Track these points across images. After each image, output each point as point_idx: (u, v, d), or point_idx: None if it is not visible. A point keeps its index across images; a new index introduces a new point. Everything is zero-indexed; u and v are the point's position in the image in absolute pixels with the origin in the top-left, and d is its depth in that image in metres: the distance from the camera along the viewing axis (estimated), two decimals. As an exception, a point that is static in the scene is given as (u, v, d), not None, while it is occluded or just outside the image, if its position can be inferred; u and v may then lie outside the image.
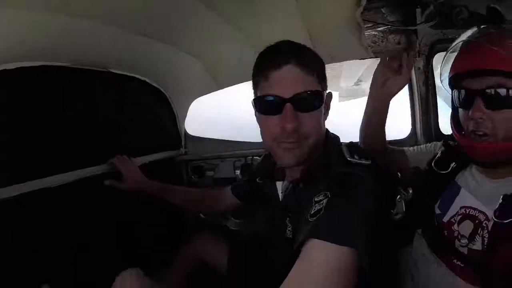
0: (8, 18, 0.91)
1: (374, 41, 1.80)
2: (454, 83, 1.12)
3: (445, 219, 1.15)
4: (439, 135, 1.78)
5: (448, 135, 1.74)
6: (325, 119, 1.05)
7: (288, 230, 1.04)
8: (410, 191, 1.03)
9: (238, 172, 2.11)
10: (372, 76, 1.36)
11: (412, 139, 1.86)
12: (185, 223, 2.12)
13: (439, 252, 1.13)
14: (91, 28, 1.14)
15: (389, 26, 1.76)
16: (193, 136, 2.18)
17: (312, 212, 0.83)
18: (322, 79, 1.00)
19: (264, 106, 0.98)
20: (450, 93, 1.16)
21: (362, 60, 1.95)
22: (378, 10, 1.75)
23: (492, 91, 1.00)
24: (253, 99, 1.02)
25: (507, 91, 0.98)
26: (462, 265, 1.05)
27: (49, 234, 1.22)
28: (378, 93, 1.33)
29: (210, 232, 1.69)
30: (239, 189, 1.57)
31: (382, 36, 1.80)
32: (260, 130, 1.04)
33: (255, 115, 1.07)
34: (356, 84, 4.34)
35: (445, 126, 1.76)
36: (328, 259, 0.73)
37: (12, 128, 1.12)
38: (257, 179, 1.33)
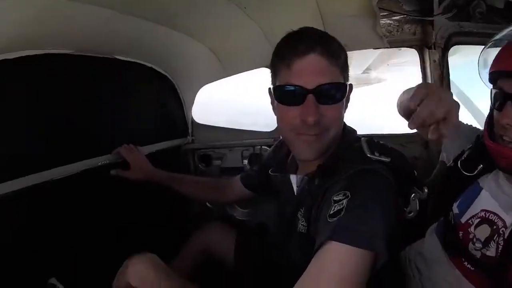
0: (11, 4, 0.89)
1: (389, 31, 1.76)
2: (492, 80, 1.06)
3: (463, 219, 1.12)
4: (452, 130, 1.73)
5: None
6: (345, 111, 1.01)
7: (301, 224, 1.02)
8: (426, 190, 0.99)
9: (246, 161, 2.10)
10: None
11: None
12: (192, 213, 2.13)
13: (451, 251, 1.11)
14: (96, 13, 1.12)
15: (405, 16, 1.72)
16: (200, 124, 2.16)
17: (332, 212, 0.82)
18: (345, 70, 0.96)
19: (284, 96, 0.94)
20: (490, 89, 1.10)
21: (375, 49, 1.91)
22: (394, -1, 1.70)
23: None
24: (272, 88, 0.99)
25: None
26: (472, 268, 1.03)
27: (57, 226, 1.22)
28: None
29: (217, 222, 1.67)
30: (249, 179, 1.54)
31: (397, 26, 1.76)
32: (277, 120, 1.01)
33: (272, 104, 1.05)
34: (365, 72, 4.29)
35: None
36: (347, 261, 0.74)
37: (16, 117, 1.11)
38: (269, 171, 1.28)
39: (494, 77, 1.05)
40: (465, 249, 1.06)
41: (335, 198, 0.84)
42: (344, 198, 0.82)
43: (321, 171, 0.99)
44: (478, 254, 1.03)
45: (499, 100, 1.01)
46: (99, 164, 1.40)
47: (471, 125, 1.37)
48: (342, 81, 0.94)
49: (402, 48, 1.96)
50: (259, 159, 1.73)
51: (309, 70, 0.89)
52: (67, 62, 1.27)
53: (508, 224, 0.99)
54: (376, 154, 0.94)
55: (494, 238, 1.01)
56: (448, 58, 1.72)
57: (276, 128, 2.03)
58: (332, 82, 0.90)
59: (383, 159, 0.93)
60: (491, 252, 1.00)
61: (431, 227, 1.25)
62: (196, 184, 1.66)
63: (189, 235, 1.62)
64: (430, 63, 1.72)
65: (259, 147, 2.07)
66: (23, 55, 1.09)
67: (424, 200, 0.99)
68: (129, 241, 1.52)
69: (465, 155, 1.21)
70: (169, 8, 1.29)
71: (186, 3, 1.29)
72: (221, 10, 1.39)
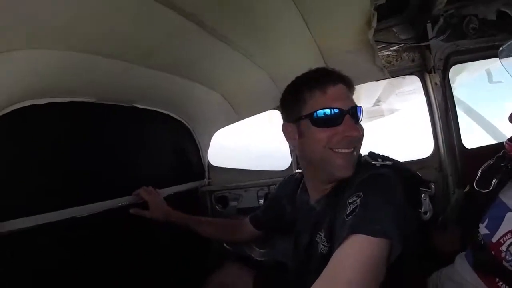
0: (36, 57, 1.00)
1: (388, 61, 1.85)
2: None
3: (494, 239, 1.10)
4: (462, 150, 1.76)
5: (471, 149, 1.73)
6: None
7: (322, 245, 1.07)
8: (433, 186, 1.05)
9: (261, 201, 2.12)
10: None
11: (435, 156, 1.84)
12: (210, 253, 2.13)
13: (483, 271, 1.09)
14: (114, 65, 1.23)
15: (402, 45, 1.80)
16: (216, 167, 2.23)
17: (348, 212, 0.89)
18: None
19: (324, 118, 1.04)
20: None
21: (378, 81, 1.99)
22: (389, 30, 1.81)
23: None
24: (306, 114, 1.07)
25: None
26: (506, 286, 1.02)
27: (77, 263, 1.26)
28: None
29: (235, 262, 1.67)
30: (257, 220, 1.58)
31: (396, 55, 1.85)
32: (307, 144, 1.09)
33: (289, 137, 1.16)
34: (375, 104, 4.36)
35: (468, 139, 1.77)
36: (365, 250, 0.79)
37: (45, 156, 1.20)
38: (282, 202, 1.40)
39: None
40: (499, 266, 1.05)
41: (349, 201, 0.92)
42: (358, 198, 0.90)
43: (336, 189, 1.08)
44: None
45: None
46: (120, 204, 1.46)
47: None
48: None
49: (406, 76, 2.02)
50: (267, 198, 1.76)
51: (342, 95, 1.06)
52: (91, 110, 1.39)
53: None
54: (379, 160, 1.08)
55: None
56: (456, 77, 1.76)
57: (289, 167, 2.08)
58: (357, 105, 1.07)
59: (386, 163, 1.06)
60: None
61: (460, 254, 1.24)
62: (211, 225, 1.68)
63: (208, 275, 1.61)
64: (432, 86, 1.77)
65: (274, 186, 2.09)
66: (51, 101, 1.22)
67: (433, 196, 1.04)
68: (149, 281, 1.54)
69: (477, 177, 1.24)
70: (181, 59, 1.41)
71: (198, 54, 1.40)
72: (230, 59, 1.48)
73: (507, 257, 1.03)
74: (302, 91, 1.09)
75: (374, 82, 2.01)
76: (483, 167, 1.26)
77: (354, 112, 1.05)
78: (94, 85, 1.33)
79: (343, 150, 1.03)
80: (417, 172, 1.12)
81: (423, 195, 1.03)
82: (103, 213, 1.36)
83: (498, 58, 1.46)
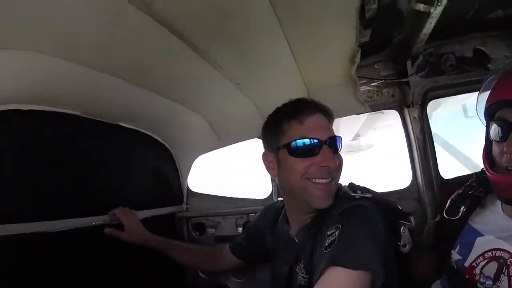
0: (18, 59, 0.98)
1: (369, 96, 1.92)
2: (491, 113, 1.10)
3: (466, 263, 1.13)
4: (440, 181, 1.82)
5: (448, 179, 1.79)
6: None
7: (301, 276, 1.06)
8: (412, 219, 1.06)
9: (240, 229, 2.07)
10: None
11: (413, 187, 1.89)
12: (184, 283, 2.05)
13: None
14: (98, 78, 1.21)
15: (382, 81, 1.90)
16: (195, 192, 2.20)
17: (326, 244, 0.90)
18: None
19: (301, 148, 1.07)
20: (485, 125, 1.15)
21: (359, 115, 2.06)
22: (371, 66, 1.90)
23: None
24: (284, 144, 1.10)
25: None
26: None
27: (45, 277, 1.20)
28: None
29: None
30: (238, 248, 1.55)
31: (377, 91, 1.93)
32: (286, 174, 1.11)
33: (269, 166, 1.18)
34: (354, 139, 4.49)
35: (445, 171, 1.85)
36: (345, 283, 0.80)
37: (16, 167, 1.16)
38: (262, 231, 1.41)
39: (493, 109, 1.08)
40: None
41: (328, 233, 0.93)
42: (336, 230, 0.91)
43: (316, 220, 1.09)
44: None
45: (502, 131, 1.03)
46: (94, 223, 1.41)
47: None
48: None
49: (384, 111, 2.11)
50: (247, 227, 1.74)
51: (320, 125, 1.09)
52: (74, 123, 1.37)
53: None
54: (359, 192, 1.09)
55: (504, 271, 1.01)
56: (433, 112, 1.85)
57: (269, 195, 2.08)
58: (336, 135, 1.10)
59: (366, 195, 1.07)
60: (502, 287, 1.00)
61: (436, 282, 1.25)
62: (189, 252, 1.65)
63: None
64: (410, 120, 1.84)
65: (254, 214, 2.04)
66: (34, 108, 1.19)
67: (413, 230, 1.06)
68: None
69: (446, 206, 1.29)
70: (171, 81, 1.42)
71: (188, 77, 1.42)
72: (218, 85, 1.51)
73: (481, 279, 1.06)
74: (281, 121, 1.12)
75: (353, 117, 2.08)
76: (452, 196, 1.31)
77: (332, 142, 1.08)
78: (80, 98, 1.32)
79: (321, 181, 1.05)
80: (397, 204, 1.14)
81: (402, 227, 1.03)
82: (75, 231, 1.30)
83: (473, 94, 1.56)
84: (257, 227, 1.46)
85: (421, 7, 1.28)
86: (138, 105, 1.55)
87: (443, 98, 1.94)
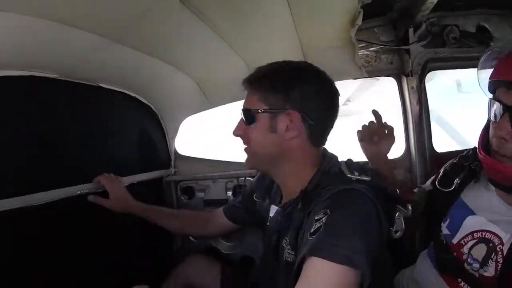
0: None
1: (367, 61, 1.87)
2: (492, 89, 1.06)
3: (454, 240, 1.12)
4: (433, 153, 1.83)
5: (441, 152, 1.80)
6: (288, 138, 1.04)
7: (287, 252, 1.04)
8: (409, 207, 1.02)
9: (230, 193, 2.08)
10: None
11: (406, 157, 1.90)
12: (174, 246, 2.08)
13: (446, 273, 1.11)
14: (87, 39, 1.13)
15: (382, 46, 1.84)
16: (183, 156, 2.16)
17: (312, 230, 0.84)
18: (273, 97, 1.04)
19: None
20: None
21: (354, 80, 2.01)
22: (371, 30, 1.84)
23: None
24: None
25: None
26: None
27: (32, 254, 1.17)
28: (368, 151, 1.57)
29: (201, 256, 1.64)
30: (233, 211, 1.54)
31: (375, 56, 1.88)
32: None
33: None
34: (344, 104, 4.47)
35: (437, 145, 1.86)
36: (328, 277, 0.76)
37: None
38: (254, 196, 1.38)
39: (494, 86, 1.04)
40: (462, 268, 1.06)
41: (316, 217, 0.87)
42: (324, 216, 0.85)
43: (302, 196, 1.03)
44: (476, 274, 1.03)
45: (496, 111, 1.00)
46: (79, 192, 1.36)
47: None
48: (256, 108, 1.06)
49: (380, 78, 2.06)
50: (242, 190, 1.73)
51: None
52: (51, 86, 1.28)
53: (504, 240, 0.99)
54: (356, 173, 1.00)
55: (492, 257, 1.00)
56: (426, 84, 1.84)
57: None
58: (246, 107, 1.10)
59: (363, 178, 0.98)
60: (489, 272, 1.00)
61: (422, 252, 1.26)
62: (177, 218, 1.63)
63: (172, 270, 1.57)
64: (408, 90, 1.82)
65: (243, 178, 2.05)
66: (7, 74, 1.10)
67: (409, 218, 1.01)
68: (109, 274, 1.47)
69: (440, 176, 1.27)
70: (158, 38, 1.33)
71: (176, 35, 1.33)
72: (209, 44, 1.43)
73: (468, 259, 1.06)
74: None
75: (347, 82, 2.04)
76: (445, 165, 1.30)
77: (242, 113, 1.12)
78: (57, 59, 1.22)
79: None
80: (396, 190, 1.07)
81: (397, 213, 1.00)
82: (59, 201, 1.26)
83: (471, 69, 1.53)
84: (253, 191, 1.43)
85: None
86: (120, 64, 1.45)
87: (438, 71, 1.92)
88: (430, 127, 1.84)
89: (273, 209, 1.19)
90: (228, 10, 1.21)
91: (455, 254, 1.10)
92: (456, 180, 1.20)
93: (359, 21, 1.40)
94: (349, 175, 1.00)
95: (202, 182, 2.11)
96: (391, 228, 0.98)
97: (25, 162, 1.18)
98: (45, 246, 1.21)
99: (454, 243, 1.12)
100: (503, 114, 0.96)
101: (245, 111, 1.09)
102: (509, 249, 0.97)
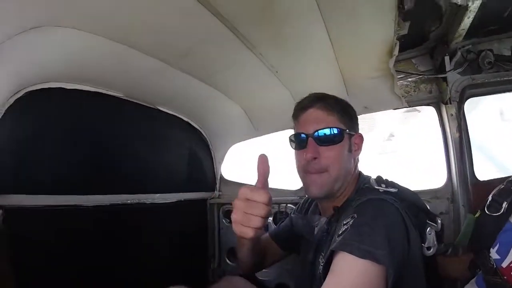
0: (64, 37, 1.08)
1: (406, 91, 1.96)
2: None
3: (504, 264, 1.13)
4: (475, 182, 1.82)
5: (483, 180, 1.78)
6: (355, 157, 1.22)
7: (321, 266, 1.06)
8: (439, 221, 1.07)
9: (270, 219, 2.12)
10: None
11: (448, 187, 1.90)
12: (211, 266, 2.16)
13: None
14: (140, 59, 1.32)
15: (420, 76, 1.93)
16: (228, 180, 2.30)
17: (340, 232, 0.93)
18: (347, 119, 1.19)
19: (295, 142, 1.20)
20: None
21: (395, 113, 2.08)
22: (409, 61, 1.94)
23: None
24: (289, 137, 1.24)
25: None
26: None
27: (75, 252, 1.32)
28: None
29: (238, 278, 1.56)
30: (279, 237, 1.52)
31: (414, 86, 1.96)
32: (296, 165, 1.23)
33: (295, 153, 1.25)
34: (388, 139, 4.45)
35: (479, 173, 1.85)
36: (353, 270, 0.83)
37: (56, 146, 1.29)
38: (291, 214, 1.50)
39: None
40: None
41: (344, 222, 0.97)
42: (351, 219, 0.94)
43: (336, 211, 1.13)
44: None
45: None
46: (128, 201, 1.54)
47: None
48: (340, 127, 1.15)
49: (420, 108, 2.12)
50: (283, 217, 1.77)
51: (310, 120, 1.16)
52: (116, 104, 1.50)
53: None
54: (383, 185, 1.11)
55: None
56: (468, 114, 1.85)
57: (302, 187, 2.14)
58: (328, 126, 1.14)
59: (390, 189, 1.08)
60: None
61: (471, 281, 1.26)
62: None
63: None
64: (448, 118, 1.85)
65: (285, 204, 2.11)
66: (77, 88, 1.33)
67: (439, 233, 1.05)
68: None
69: (488, 201, 1.28)
70: (210, 65, 1.51)
71: (226, 62, 1.50)
72: (255, 72, 1.58)
73: None
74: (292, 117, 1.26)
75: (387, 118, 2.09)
76: (493, 191, 1.30)
77: (319, 134, 1.13)
78: (123, 79, 1.43)
79: (309, 175, 1.15)
80: (426, 204, 1.14)
81: (428, 229, 1.03)
82: (109, 207, 1.44)
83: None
84: (295, 217, 1.47)
85: (459, 0, 1.32)
86: (177, 89, 1.66)
87: (479, 101, 1.93)
88: (472, 154, 1.84)
89: (322, 220, 1.23)
90: (273, 38, 1.36)
91: (505, 277, 1.11)
92: (505, 204, 1.22)
93: (396, 52, 1.50)
94: (376, 187, 1.11)
95: (244, 207, 2.19)
96: (423, 244, 1.02)
97: (85, 167, 1.38)
98: (88, 247, 1.36)
99: (504, 266, 1.13)
100: None
101: (332, 129, 1.14)
102: None
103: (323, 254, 1.10)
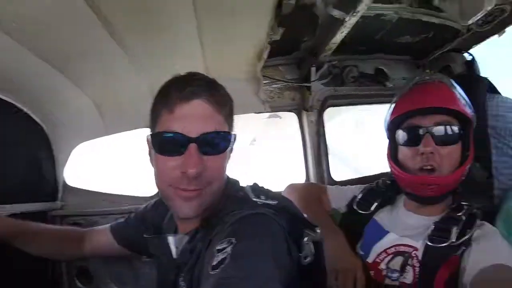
0: None
1: (271, 97, 2.12)
2: (399, 122, 1.32)
3: (370, 259, 1.30)
4: (331, 182, 2.08)
5: (339, 181, 2.07)
6: (228, 162, 1.04)
7: None
8: (318, 231, 1.04)
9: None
10: None
11: None
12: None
13: None
14: None
15: (285, 83, 2.12)
16: (72, 187, 2.06)
17: (215, 263, 0.77)
18: (230, 119, 1.00)
19: (164, 144, 0.94)
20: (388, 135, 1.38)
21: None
22: (276, 68, 2.12)
23: (442, 127, 1.22)
24: (150, 135, 0.99)
25: (451, 128, 1.22)
26: None
27: None
28: None
29: None
30: (123, 231, 1.45)
31: (278, 92, 2.15)
32: (155, 173, 0.99)
33: (149, 154, 1.04)
34: (251, 143, 4.75)
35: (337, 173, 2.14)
36: None
37: None
38: (144, 234, 1.21)
39: (402, 119, 1.30)
40: (381, 285, 1.23)
41: (218, 248, 0.81)
42: (228, 246, 0.79)
43: (202, 226, 0.99)
44: (396, 283, 1.21)
45: (415, 135, 1.25)
46: None
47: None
48: (227, 130, 0.98)
49: (282, 114, 2.35)
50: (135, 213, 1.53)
51: (194, 116, 0.91)
52: None
53: (418, 247, 1.20)
54: (262, 197, 0.98)
55: (409, 262, 1.20)
56: (327, 123, 2.15)
57: (157, 192, 2.09)
58: (218, 130, 0.93)
59: (269, 202, 0.97)
60: (408, 278, 1.19)
61: None
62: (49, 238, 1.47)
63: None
64: (307, 123, 2.09)
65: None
66: None
67: (318, 241, 1.01)
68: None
69: (358, 199, 1.47)
70: (64, 48, 1.35)
71: (83, 47, 1.37)
72: (115, 63, 1.48)
73: (388, 273, 1.24)
74: (156, 102, 1.00)
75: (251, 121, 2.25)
76: (363, 189, 1.50)
77: (206, 140, 0.91)
78: None
79: (183, 193, 0.93)
80: (304, 214, 1.08)
81: (306, 238, 0.97)
82: None
83: (368, 107, 1.84)
84: (146, 218, 1.36)
85: (336, 13, 1.46)
86: (20, 73, 1.44)
87: (339, 112, 2.25)
88: (328, 158, 2.11)
89: (172, 240, 1.07)
90: (139, 27, 1.29)
91: (372, 272, 1.27)
92: (375, 204, 1.42)
93: (265, 56, 1.60)
94: (254, 199, 0.98)
95: (91, 218, 2.00)
96: (300, 254, 0.95)
97: None
98: None
99: (370, 262, 1.30)
100: (424, 135, 1.23)
101: (223, 135, 0.96)
102: (423, 253, 1.18)
103: (183, 276, 1.00)
